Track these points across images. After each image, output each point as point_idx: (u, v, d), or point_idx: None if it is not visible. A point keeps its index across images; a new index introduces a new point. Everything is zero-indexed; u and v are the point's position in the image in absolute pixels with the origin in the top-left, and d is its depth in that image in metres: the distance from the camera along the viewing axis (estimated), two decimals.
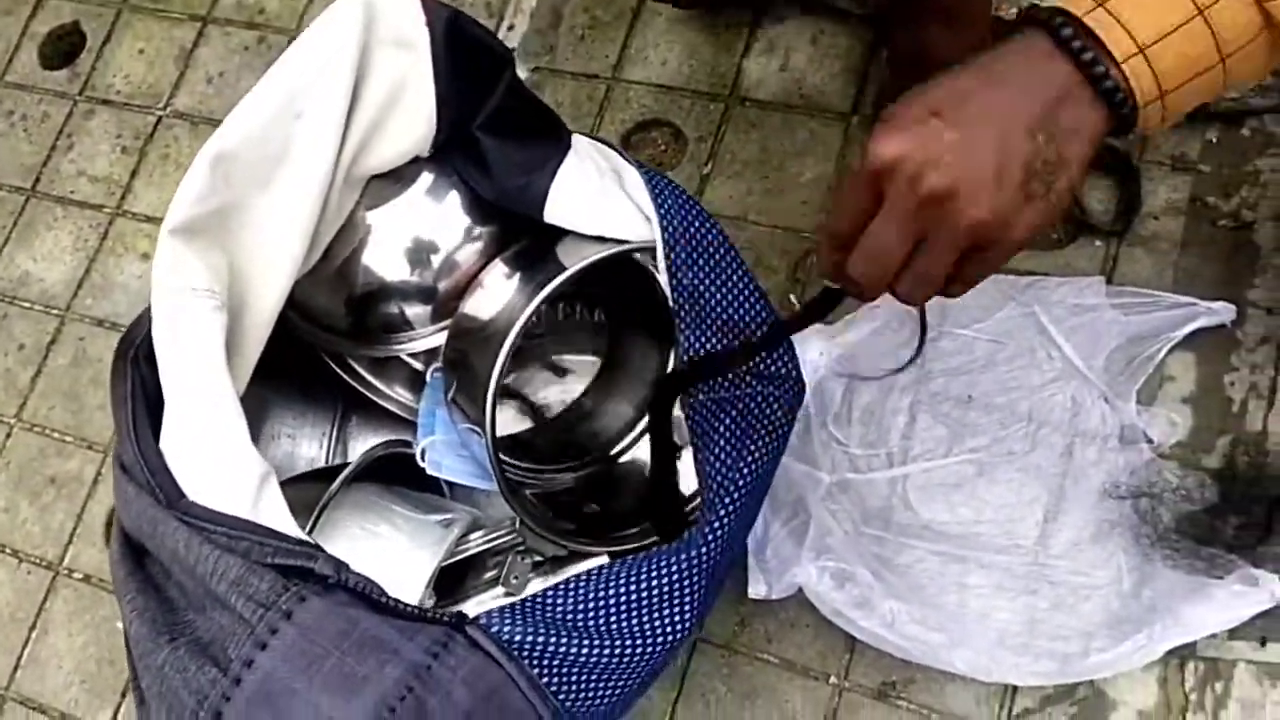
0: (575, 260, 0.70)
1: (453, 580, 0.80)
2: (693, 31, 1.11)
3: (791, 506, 0.88)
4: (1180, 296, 0.89)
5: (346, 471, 0.75)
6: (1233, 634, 0.80)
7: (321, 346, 0.79)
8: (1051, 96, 0.49)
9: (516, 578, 0.77)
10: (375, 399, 0.83)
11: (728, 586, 0.84)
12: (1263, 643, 0.80)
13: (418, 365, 0.82)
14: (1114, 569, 0.83)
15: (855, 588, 0.83)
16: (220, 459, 0.59)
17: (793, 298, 0.96)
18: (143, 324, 0.64)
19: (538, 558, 0.79)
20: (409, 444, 0.80)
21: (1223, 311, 0.87)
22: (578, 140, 0.74)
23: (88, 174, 1.24)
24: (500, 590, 0.77)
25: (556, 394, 0.88)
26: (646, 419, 0.82)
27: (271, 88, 0.65)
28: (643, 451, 0.86)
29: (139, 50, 1.28)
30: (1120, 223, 0.93)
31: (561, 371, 0.89)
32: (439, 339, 0.76)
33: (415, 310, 0.76)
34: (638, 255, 0.73)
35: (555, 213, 0.71)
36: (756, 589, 0.86)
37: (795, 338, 0.72)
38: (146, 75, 1.27)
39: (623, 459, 0.87)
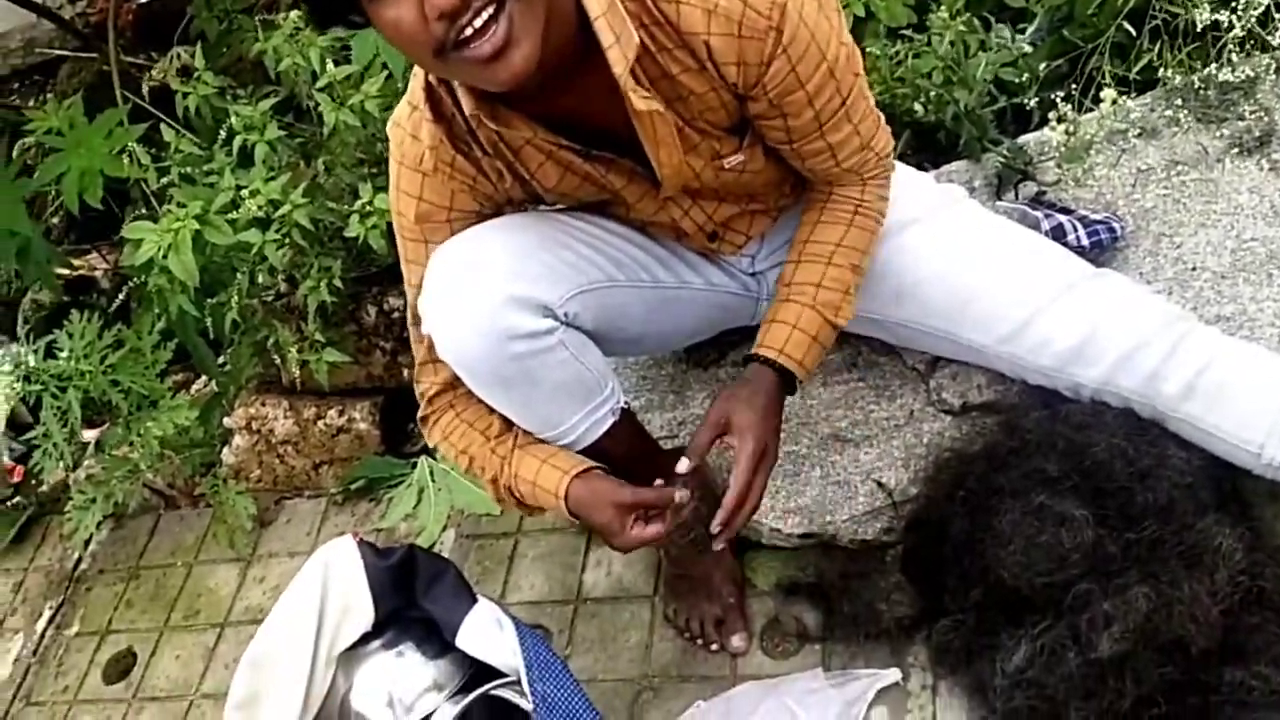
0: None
1: None
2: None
3: None
4: (868, 671, 1.36)
5: None
6: None
7: None
8: (777, 391, 1.24)
9: None
10: None
11: None
12: None
13: None
14: None
15: None
16: None
17: None
18: None
19: None
20: None
21: (893, 675, 1.35)
22: (482, 601, 1.31)
23: None
24: None
25: None
26: None
27: (273, 621, 1.23)
28: None
29: (176, 656, 1.80)
30: (826, 631, 1.43)
31: None
32: None
33: None
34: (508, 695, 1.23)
35: (463, 641, 1.26)
36: None
37: None
38: (181, 673, 1.77)
39: None
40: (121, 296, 1.96)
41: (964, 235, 1.36)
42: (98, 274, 2.71)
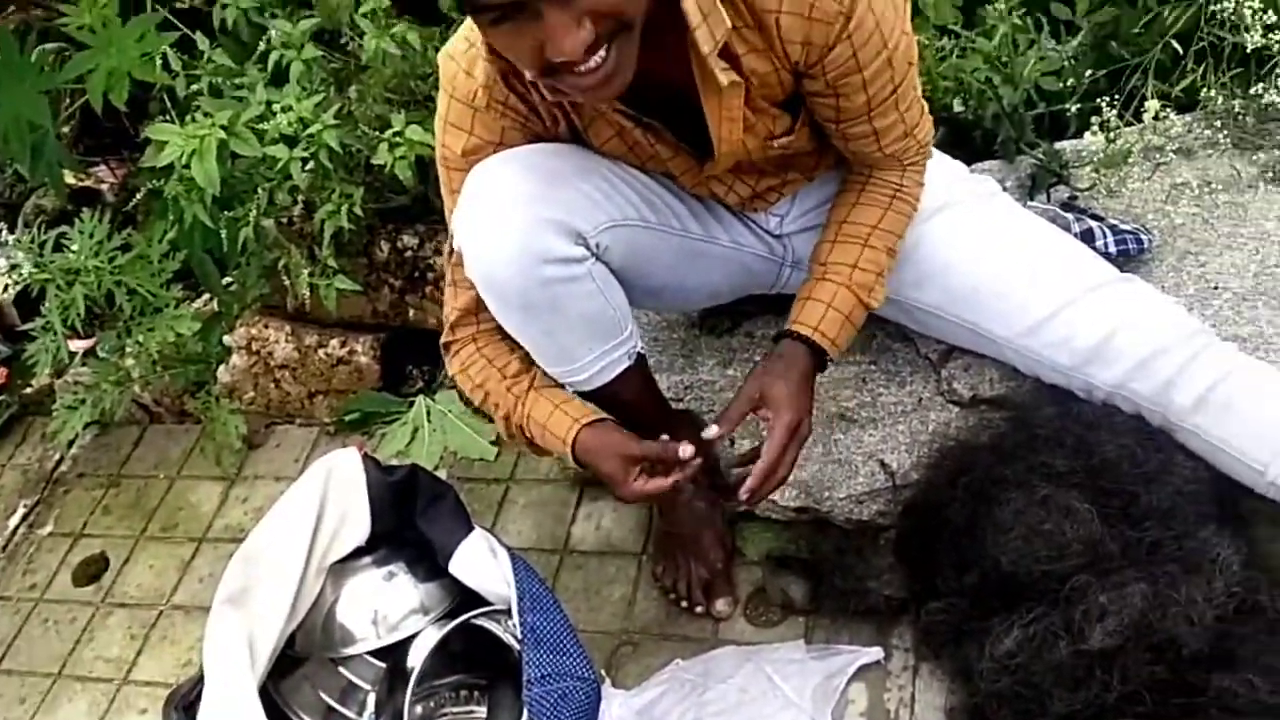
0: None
1: None
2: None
3: None
4: (850, 647, 1.37)
5: None
6: None
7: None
8: (810, 368, 1.25)
9: None
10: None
11: None
12: None
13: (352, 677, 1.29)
14: None
15: None
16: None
17: (603, 672, 1.41)
18: (180, 686, 1.07)
19: None
20: None
21: (876, 653, 1.35)
22: (478, 529, 1.31)
23: (103, 658, 1.68)
24: None
25: None
26: None
27: (271, 520, 1.18)
28: None
29: (149, 565, 1.78)
30: (812, 604, 1.43)
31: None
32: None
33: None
34: (491, 627, 1.21)
35: (456, 567, 1.27)
36: None
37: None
38: (154, 582, 1.76)
39: None
40: (133, 203, 1.94)
41: (993, 225, 1.37)
42: (104, 188, 2.68)
